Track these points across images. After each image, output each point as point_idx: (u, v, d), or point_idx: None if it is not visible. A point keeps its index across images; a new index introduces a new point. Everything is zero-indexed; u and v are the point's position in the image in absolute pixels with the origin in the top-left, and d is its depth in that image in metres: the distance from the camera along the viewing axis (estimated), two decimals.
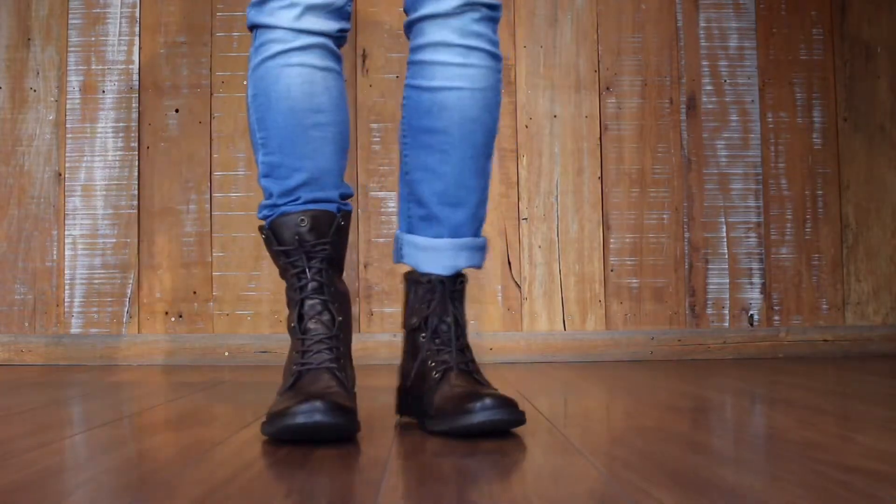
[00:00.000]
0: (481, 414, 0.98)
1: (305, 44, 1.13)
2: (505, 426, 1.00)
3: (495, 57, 1.16)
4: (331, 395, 0.98)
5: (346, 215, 1.14)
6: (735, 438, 1.01)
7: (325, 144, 1.13)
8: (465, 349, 1.10)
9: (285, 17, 1.13)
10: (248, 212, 2.15)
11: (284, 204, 1.11)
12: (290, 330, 1.09)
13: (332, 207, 1.12)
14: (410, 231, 1.17)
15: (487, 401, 0.99)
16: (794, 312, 2.18)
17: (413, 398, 1.11)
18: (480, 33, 1.14)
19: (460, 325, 1.11)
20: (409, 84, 1.18)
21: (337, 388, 1.02)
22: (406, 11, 1.18)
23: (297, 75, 1.13)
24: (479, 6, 1.13)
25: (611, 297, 2.17)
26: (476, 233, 1.17)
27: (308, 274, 1.08)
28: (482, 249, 1.18)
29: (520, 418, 1.01)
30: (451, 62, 1.14)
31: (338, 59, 1.16)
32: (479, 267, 1.18)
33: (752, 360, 2.08)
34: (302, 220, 1.09)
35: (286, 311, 1.12)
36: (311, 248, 1.09)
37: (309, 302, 1.08)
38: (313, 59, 1.13)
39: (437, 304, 1.11)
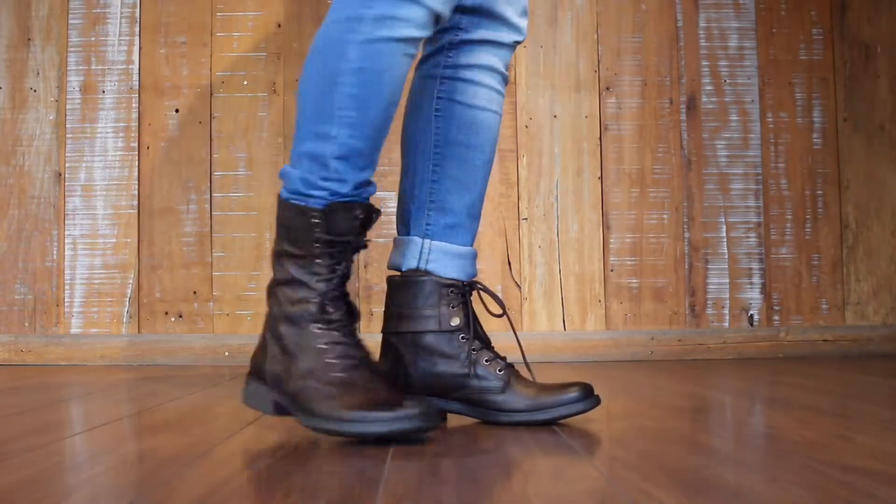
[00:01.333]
0: (589, 401, 1.11)
1: (426, 35, 1.08)
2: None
3: None
4: (416, 399, 1.01)
5: (379, 212, 1.14)
6: (735, 438, 1.01)
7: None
8: None
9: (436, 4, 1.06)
10: (248, 212, 2.15)
11: (353, 195, 1.07)
12: (296, 314, 1.05)
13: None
14: (435, 238, 1.19)
15: (577, 389, 1.12)
16: (794, 312, 2.18)
17: (461, 395, 1.14)
18: (509, 66, 1.25)
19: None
20: (446, 97, 1.21)
21: (389, 387, 1.06)
22: (447, 29, 1.20)
23: (405, 65, 1.07)
24: (519, 44, 1.23)
25: (611, 297, 2.17)
26: None
27: (341, 266, 1.06)
28: None
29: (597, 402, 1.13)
30: (494, 87, 1.23)
31: None
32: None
33: (752, 360, 2.08)
34: (359, 213, 1.06)
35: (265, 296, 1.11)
36: (358, 243, 1.08)
37: (333, 293, 1.06)
38: (418, 50, 1.10)
39: (466, 307, 1.16)
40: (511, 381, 1.13)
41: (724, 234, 2.19)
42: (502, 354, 1.18)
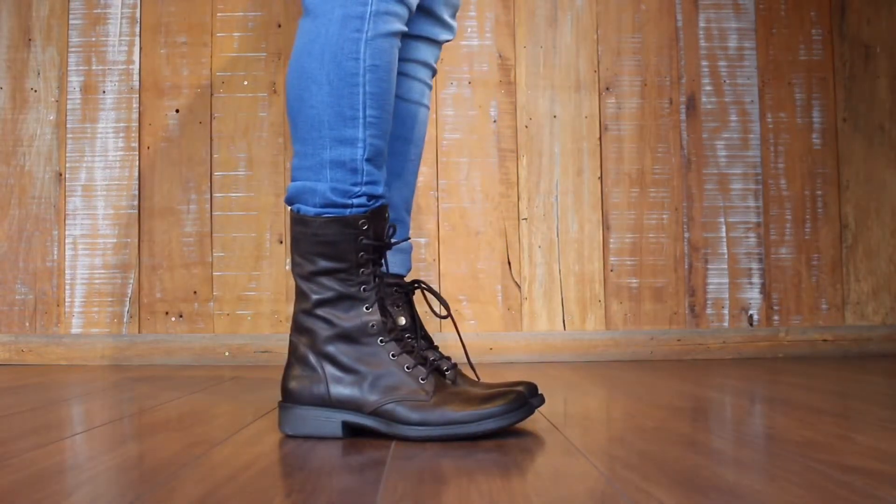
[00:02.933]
0: (536, 399, 1.08)
1: (403, 32, 1.09)
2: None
3: None
4: (501, 385, 1.05)
5: None
6: (735, 438, 1.01)
7: None
8: None
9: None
10: (248, 212, 2.15)
11: (384, 196, 1.06)
12: (356, 329, 1.03)
13: None
14: None
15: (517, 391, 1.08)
16: (794, 312, 2.19)
17: None
18: (438, 60, 1.28)
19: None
20: None
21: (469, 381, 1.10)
22: None
23: (397, 60, 1.09)
24: (447, 42, 1.27)
25: (610, 297, 2.17)
26: None
27: (379, 270, 1.04)
28: None
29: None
30: (426, 82, 1.26)
31: None
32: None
33: (751, 360, 2.08)
34: (388, 214, 1.06)
35: (289, 311, 1.10)
36: (389, 243, 1.06)
37: (381, 300, 1.04)
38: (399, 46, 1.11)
39: (410, 307, 1.15)
40: (457, 381, 1.11)
41: (724, 234, 2.19)
42: (447, 354, 1.18)
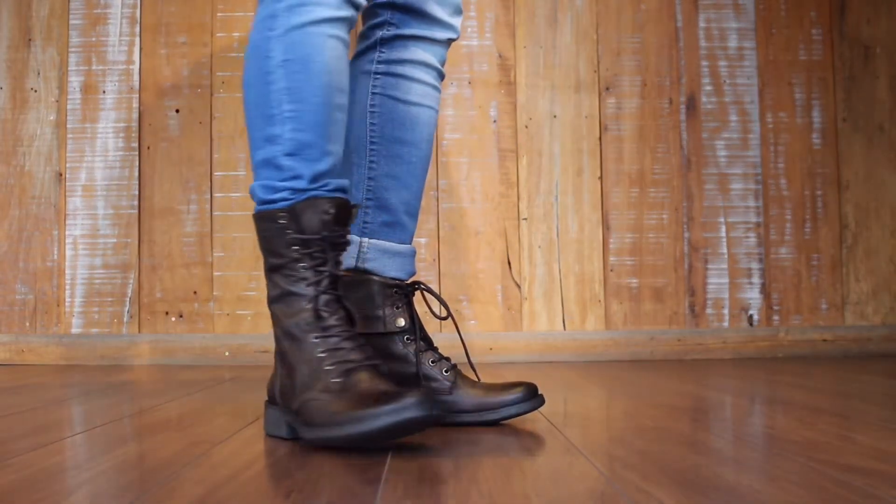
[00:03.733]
0: (534, 400, 1.12)
1: (345, 16, 1.06)
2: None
3: None
4: (415, 390, 0.94)
5: (357, 207, 1.09)
6: (735, 438, 1.01)
7: (343, 128, 1.08)
8: None
9: None
10: (248, 212, 2.15)
11: (314, 189, 1.03)
12: (295, 326, 1.01)
13: (347, 196, 1.08)
14: (372, 236, 1.18)
15: (521, 389, 1.13)
16: (794, 312, 2.19)
17: None
18: (444, 62, 1.25)
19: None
20: (380, 93, 1.20)
21: (391, 385, 0.97)
22: (379, 24, 1.20)
23: (334, 48, 1.05)
24: (454, 41, 1.25)
25: (610, 297, 2.17)
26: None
27: (327, 266, 1.02)
28: None
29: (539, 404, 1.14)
30: (429, 83, 1.23)
31: None
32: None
33: (751, 360, 2.09)
34: (328, 207, 1.02)
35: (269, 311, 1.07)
36: (336, 239, 1.03)
37: (325, 297, 1.01)
38: (344, 33, 1.07)
39: (410, 308, 1.15)
40: (458, 381, 1.13)
41: (724, 234, 2.19)
42: (446, 355, 1.17)
